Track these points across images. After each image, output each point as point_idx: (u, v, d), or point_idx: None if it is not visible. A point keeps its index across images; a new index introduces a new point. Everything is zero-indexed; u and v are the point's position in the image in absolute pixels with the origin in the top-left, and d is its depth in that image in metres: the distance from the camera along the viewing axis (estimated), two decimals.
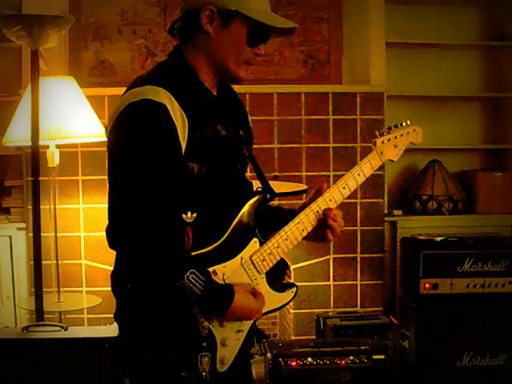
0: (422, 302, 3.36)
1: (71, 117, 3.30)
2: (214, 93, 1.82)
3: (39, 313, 3.00)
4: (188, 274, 1.60)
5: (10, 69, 3.96)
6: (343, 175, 1.91)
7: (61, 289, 3.44)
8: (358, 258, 3.99)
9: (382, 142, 1.92)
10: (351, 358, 3.08)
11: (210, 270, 1.69)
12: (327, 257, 3.97)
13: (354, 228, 3.98)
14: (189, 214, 1.68)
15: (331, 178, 3.93)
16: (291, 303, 3.94)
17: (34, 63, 2.98)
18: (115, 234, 1.66)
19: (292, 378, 3.04)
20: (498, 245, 3.51)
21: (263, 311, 1.78)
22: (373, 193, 3.99)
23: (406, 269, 3.65)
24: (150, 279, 1.68)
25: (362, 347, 3.12)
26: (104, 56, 4.03)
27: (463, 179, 4.31)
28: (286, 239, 1.81)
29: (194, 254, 1.69)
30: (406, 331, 3.39)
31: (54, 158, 3.34)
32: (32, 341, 2.57)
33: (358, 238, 3.99)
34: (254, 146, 4.09)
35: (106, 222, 1.73)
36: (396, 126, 1.96)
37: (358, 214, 3.98)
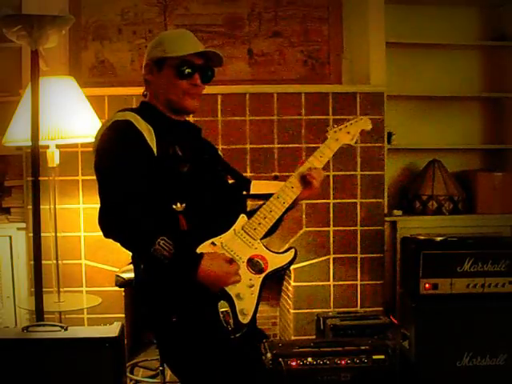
0: (422, 302, 3.35)
1: (71, 117, 3.30)
2: (178, 119, 2.21)
3: (39, 313, 2.99)
4: (159, 240, 1.89)
5: (10, 69, 3.96)
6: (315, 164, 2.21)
7: (61, 289, 3.44)
8: (358, 258, 3.99)
9: (335, 132, 2.27)
10: (351, 357, 3.07)
11: (209, 241, 2.01)
12: (327, 257, 3.97)
13: (354, 228, 3.98)
14: (178, 204, 2.01)
15: (331, 177, 3.93)
16: (291, 303, 3.95)
17: (34, 63, 2.98)
18: (102, 221, 1.95)
19: (292, 378, 3.04)
20: (498, 245, 3.51)
21: (270, 269, 2.07)
22: (373, 193, 3.99)
23: (406, 269, 3.65)
24: (133, 251, 2.03)
25: (362, 347, 3.12)
26: (104, 56, 4.04)
27: (463, 179, 4.31)
28: (271, 211, 2.11)
29: (191, 233, 1.99)
30: (406, 331, 3.38)
31: (54, 157, 3.34)
32: (32, 341, 2.57)
33: (358, 238, 3.99)
34: (255, 146, 4.11)
35: None
36: (347, 120, 2.33)
37: (358, 214, 3.98)
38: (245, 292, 2.01)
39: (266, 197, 2.20)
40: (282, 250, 2.15)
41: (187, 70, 2.13)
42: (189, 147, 2.15)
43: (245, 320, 2.00)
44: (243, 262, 2.05)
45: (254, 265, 2.06)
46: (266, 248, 2.10)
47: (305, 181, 2.18)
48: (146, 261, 2.01)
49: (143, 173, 1.98)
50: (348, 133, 2.28)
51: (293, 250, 2.15)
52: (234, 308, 1.99)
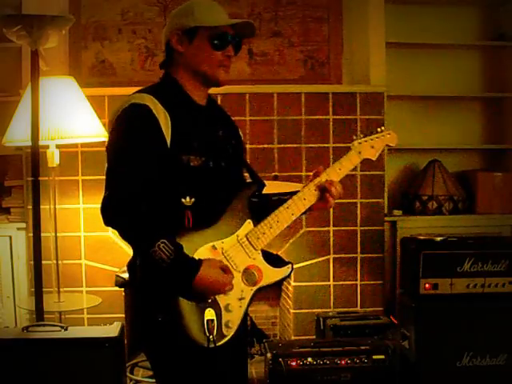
0: (422, 302, 3.35)
1: (71, 117, 3.30)
2: (202, 103, 2.11)
3: (39, 313, 3.00)
4: (159, 242, 1.84)
5: (10, 69, 3.96)
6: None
7: (61, 289, 3.45)
8: (358, 258, 3.99)
9: (359, 143, 2.20)
10: (351, 357, 3.07)
11: (210, 244, 1.96)
12: (327, 257, 3.97)
13: (354, 228, 3.98)
14: (187, 198, 1.96)
15: None
16: (291, 303, 3.95)
17: (33, 63, 2.98)
18: (105, 209, 1.89)
19: (292, 378, 3.04)
20: (498, 245, 3.51)
21: (264, 283, 2.03)
22: (373, 193, 3.99)
23: (406, 269, 3.65)
24: (131, 246, 1.96)
25: (362, 347, 3.12)
26: (104, 56, 4.04)
27: (463, 179, 4.31)
28: (278, 221, 2.05)
29: (194, 232, 1.95)
30: (406, 331, 3.39)
31: (53, 158, 3.34)
32: (32, 341, 2.57)
33: (358, 238, 3.99)
34: (255, 146, 4.11)
35: None
36: (372, 132, 2.24)
37: (358, 214, 3.98)
38: (234, 304, 1.97)
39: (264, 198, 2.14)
40: (279, 264, 2.09)
41: (223, 41, 2.04)
42: (209, 136, 2.06)
43: (228, 333, 1.95)
44: (239, 272, 1.99)
45: (249, 276, 2.01)
46: (264, 260, 2.05)
47: (321, 195, 2.11)
48: (143, 259, 1.95)
49: (154, 164, 1.91)
50: (372, 147, 2.21)
51: (289, 266, 2.10)
52: (220, 319, 1.94)
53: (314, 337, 3.68)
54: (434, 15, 4.34)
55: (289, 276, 2.10)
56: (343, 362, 3.07)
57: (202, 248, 1.94)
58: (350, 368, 3.07)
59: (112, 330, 2.63)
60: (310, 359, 3.06)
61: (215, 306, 1.92)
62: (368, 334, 3.36)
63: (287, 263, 2.10)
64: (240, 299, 1.98)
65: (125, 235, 1.93)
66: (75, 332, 2.66)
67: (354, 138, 2.20)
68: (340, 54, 4.17)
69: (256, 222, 2.04)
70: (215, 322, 1.90)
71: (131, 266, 2.04)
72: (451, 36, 4.31)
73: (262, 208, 2.10)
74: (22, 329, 2.65)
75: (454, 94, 4.32)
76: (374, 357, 3.09)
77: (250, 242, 2.02)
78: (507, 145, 4.40)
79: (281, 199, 2.13)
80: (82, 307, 3.54)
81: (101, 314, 3.59)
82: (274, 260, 2.08)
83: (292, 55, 4.15)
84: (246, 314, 2.03)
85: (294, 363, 3.04)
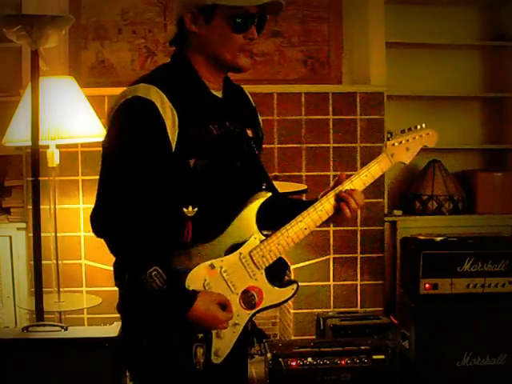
0: (422, 302, 3.35)
1: (71, 117, 3.30)
2: (218, 93, 1.86)
3: (39, 313, 3.00)
4: (151, 270, 1.63)
5: (10, 69, 3.96)
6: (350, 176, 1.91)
7: (61, 289, 3.45)
8: (358, 258, 3.99)
9: (393, 145, 1.90)
10: (351, 357, 3.07)
11: (208, 263, 1.73)
12: (327, 257, 3.97)
13: (354, 228, 3.98)
14: (190, 208, 1.73)
15: (331, 177, 3.92)
16: (291, 303, 3.94)
17: (33, 63, 2.99)
18: (94, 222, 1.71)
19: (292, 378, 3.04)
20: (498, 245, 3.51)
21: (263, 306, 1.81)
22: (373, 193, 3.99)
23: (406, 269, 3.65)
24: (120, 268, 1.77)
25: (362, 347, 3.12)
26: (104, 56, 4.04)
27: (463, 179, 4.31)
28: (287, 237, 1.80)
29: (193, 247, 1.73)
30: (406, 331, 3.39)
31: (53, 158, 3.34)
32: (32, 341, 2.58)
33: (358, 238, 3.99)
34: None
35: None
36: (410, 129, 1.94)
37: (358, 214, 3.97)
38: (227, 330, 1.75)
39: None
40: (283, 282, 1.85)
41: (245, 22, 1.76)
42: (223, 132, 1.79)
43: (217, 361, 1.74)
44: (237, 294, 1.76)
45: (248, 299, 1.78)
46: (267, 279, 1.80)
47: (338, 206, 1.83)
48: (131, 282, 1.72)
49: (153, 171, 1.68)
50: (407, 149, 1.90)
51: (294, 286, 1.84)
52: (210, 346, 1.73)
53: (314, 337, 3.68)
54: (434, 15, 4.34)
55: (292, 297, 1.86)
56: (343, 362, 3.07)
57: (198, 267, 1.72)
58: (350, 368, 3.07)
59: (112, 330, 2.63)
60: (310, 359, 3.06)
61: (205, 333, 1.72)
62: (368, 334, 3.36)
63: (292, 282, 1.85)
64: (234, 325, 1.76)
65: (114, 253, 1.73)
66: (75, 332, 2.66)
67: (389, 136, 1.90)
68: (340, 54, 4.17)
69: (264, 236, 1.80)
70: (204, 348, 1.71)
71: (118, 274, 1.82)
72: (451, 36, 4.31)
73: (273, 215, 1.86)
74: (22, 329, 2.65)
75: (453, 94, 4.32)
76: (374, 357, 3.09)
77: (253, 261, 1.77)
78: (507, 145, 4.40)
79: (301, 202, 1.92)
80: (82, 307, 3.54)
81: (101, 314, 3.59)
82: (278, 276, 1.86)
83: (292, 55, 4.14)
84: (239, 340, 1.80)
85: (294, 363, 3.04)
